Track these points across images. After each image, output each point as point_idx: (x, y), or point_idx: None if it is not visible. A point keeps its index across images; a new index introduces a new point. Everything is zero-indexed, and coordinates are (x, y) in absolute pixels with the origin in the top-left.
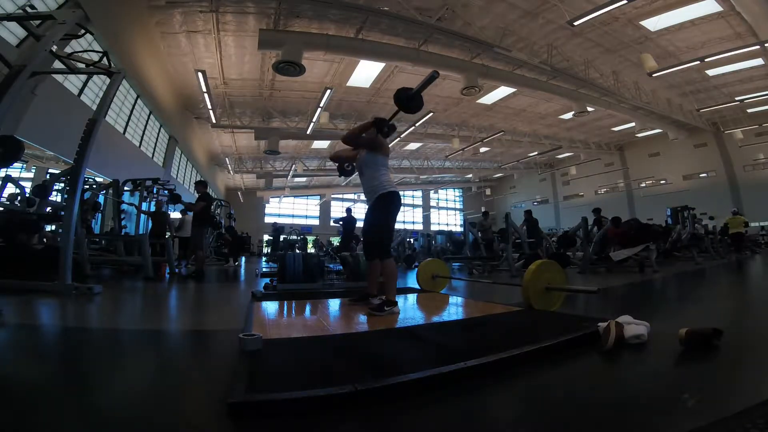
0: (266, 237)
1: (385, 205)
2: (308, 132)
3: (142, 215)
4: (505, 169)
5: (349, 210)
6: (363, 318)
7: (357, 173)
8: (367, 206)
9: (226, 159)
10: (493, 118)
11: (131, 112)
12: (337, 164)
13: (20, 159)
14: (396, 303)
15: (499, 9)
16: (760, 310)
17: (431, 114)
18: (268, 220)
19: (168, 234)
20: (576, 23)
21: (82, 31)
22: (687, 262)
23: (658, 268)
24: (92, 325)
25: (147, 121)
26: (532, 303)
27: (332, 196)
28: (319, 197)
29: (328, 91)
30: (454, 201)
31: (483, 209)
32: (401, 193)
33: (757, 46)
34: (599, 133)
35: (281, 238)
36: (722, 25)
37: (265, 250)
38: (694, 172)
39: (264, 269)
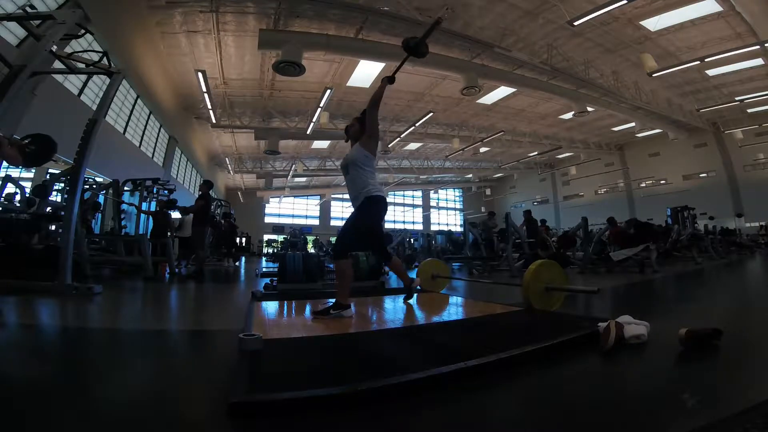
0: (266, 237)
1: (372, 208)
2: (308, 132)
3: (142, 215)
4: (505, 169)
5: None
6: (363, 318)
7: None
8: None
9: (226, 159)
10: (493, 118)
11: (131, 112)
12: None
13: (52, 159)
14: (347, 306)
15: (499, 9)
16: (760, 309)
17: (431, 114)
18: (268, 220)
19: (169, 233)
20: (576, 23)
21: (82, 31)
22: (687, 262)
23: (658, 268)
24: (92, 325)
25: (147, 121)
26: (532, 303)
27: (332, 196)
28: (319, 197)
29: (328, 91)
30: (454, 201)
31: (483, 209)
32: (401, 193)
33: (757, 46)
34: (599, 133)
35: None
36: (722, 25)
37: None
38: (694, 172)
39: (264, 269)
